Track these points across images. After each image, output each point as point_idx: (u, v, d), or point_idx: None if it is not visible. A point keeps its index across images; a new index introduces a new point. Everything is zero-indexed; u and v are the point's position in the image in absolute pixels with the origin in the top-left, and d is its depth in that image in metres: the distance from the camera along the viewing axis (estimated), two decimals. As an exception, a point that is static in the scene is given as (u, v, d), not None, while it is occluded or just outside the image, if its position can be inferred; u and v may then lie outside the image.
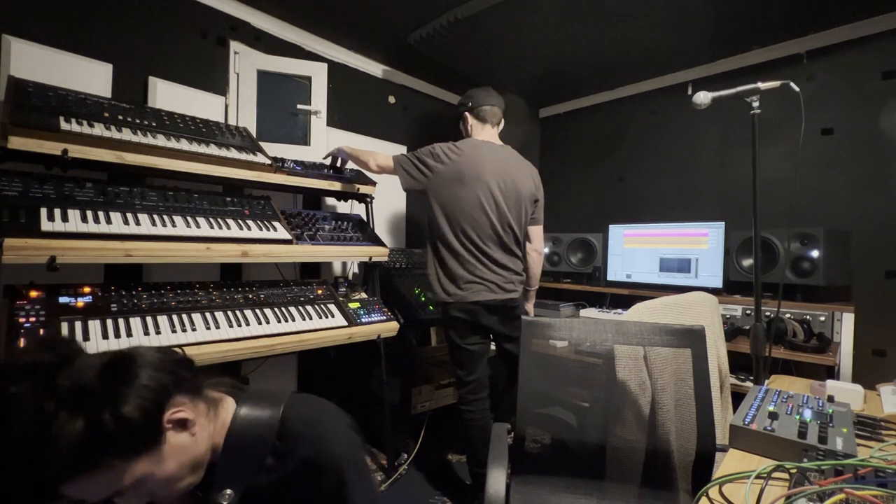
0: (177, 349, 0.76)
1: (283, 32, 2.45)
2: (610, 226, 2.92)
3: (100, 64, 1.82)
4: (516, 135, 2.70)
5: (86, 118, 1.45)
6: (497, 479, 1.05)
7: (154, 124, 1.64)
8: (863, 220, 2.26)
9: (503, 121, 1.97)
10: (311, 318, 1.71)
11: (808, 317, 2.10)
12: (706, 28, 2.34)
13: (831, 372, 1.90)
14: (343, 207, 2.53)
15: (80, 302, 1.32)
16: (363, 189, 2.17)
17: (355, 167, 2.14)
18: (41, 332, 1.18)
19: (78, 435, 0.55)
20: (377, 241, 2.09)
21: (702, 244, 2.51)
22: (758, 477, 0.74)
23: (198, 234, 1.51)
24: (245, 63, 2.25)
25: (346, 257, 2.26)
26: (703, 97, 1.35)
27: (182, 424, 0.66)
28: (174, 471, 0.65)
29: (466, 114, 1.92)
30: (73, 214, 1.31)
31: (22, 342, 1.13)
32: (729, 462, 0.89)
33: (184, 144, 1.61)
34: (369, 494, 0.76)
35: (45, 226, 1.24)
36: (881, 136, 2.22)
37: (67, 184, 1.41)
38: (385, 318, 1.93)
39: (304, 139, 2.40)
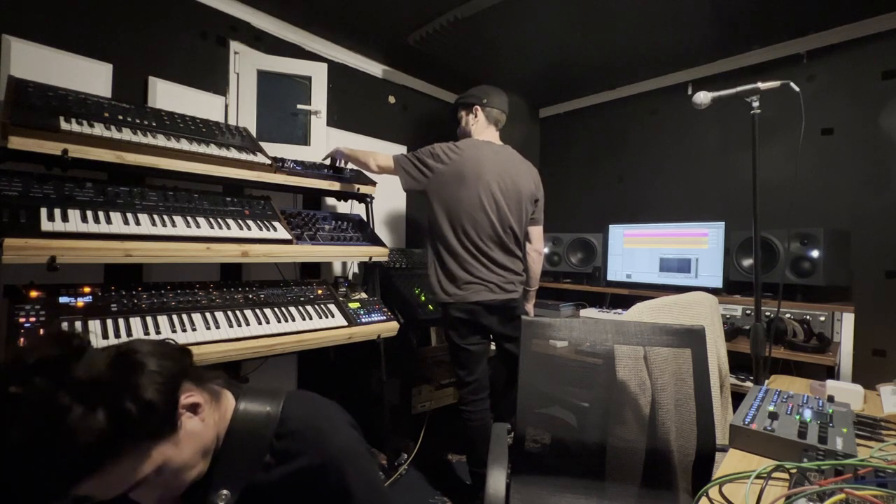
0: (170, 340, 0.77)
1: (283, 32, 2.45)
2: (610, 226, 2.91)
3: (100, 64, 1.82)
4: (516, 135, 2.70)
5: (86, 118, 1.45)
6: (497, 479, 1.05)
7: (154, 124, 1.63)
8: (863, 220, 2.26)
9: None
10: (311, 318, 1.71)
11: (808, 317, 2.10)
12: (706, 28, 2.34)
13: (831, 372, 1.90)
14: (343, 207, 2.53)
15: (80, 302, 1.32)
16: (363, 189, 2.17)
17: (355, 167, 2.14)
18: (41, 332, 1.17)
19: (99, 426, 0.54)
20: (377, 241, 2.09)
21: (702, 244, 2.51)
22: (758, 477, 0.74)
23: (198, 234, 1.51)
24: (245, 63, 2.25)
25: (346, 257, 2.26)
26: (703, 97, 1.35)
27: (194, 409, 0.67)
28: (189, 457, 0.66)
29: (478, 107, 1.91)
30: (73, 214, 1.31)
31: (22, 342, 1.13)
32: (729, 462, 0.89)
33: (184, 144, 1.61)
34: (372, 488, 0.76)
35: (45, 226, 1.23)
36: (881, 136, 2.22)
37: (67, 184, 1.41)
38: (385, 318, 1.93)
39: (304, 139, 2.40)
